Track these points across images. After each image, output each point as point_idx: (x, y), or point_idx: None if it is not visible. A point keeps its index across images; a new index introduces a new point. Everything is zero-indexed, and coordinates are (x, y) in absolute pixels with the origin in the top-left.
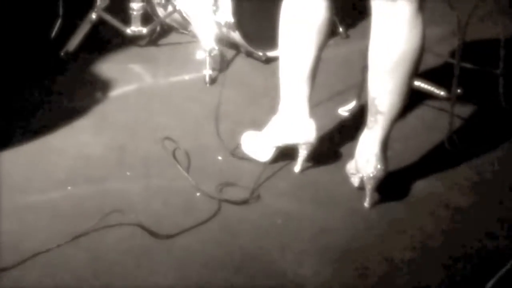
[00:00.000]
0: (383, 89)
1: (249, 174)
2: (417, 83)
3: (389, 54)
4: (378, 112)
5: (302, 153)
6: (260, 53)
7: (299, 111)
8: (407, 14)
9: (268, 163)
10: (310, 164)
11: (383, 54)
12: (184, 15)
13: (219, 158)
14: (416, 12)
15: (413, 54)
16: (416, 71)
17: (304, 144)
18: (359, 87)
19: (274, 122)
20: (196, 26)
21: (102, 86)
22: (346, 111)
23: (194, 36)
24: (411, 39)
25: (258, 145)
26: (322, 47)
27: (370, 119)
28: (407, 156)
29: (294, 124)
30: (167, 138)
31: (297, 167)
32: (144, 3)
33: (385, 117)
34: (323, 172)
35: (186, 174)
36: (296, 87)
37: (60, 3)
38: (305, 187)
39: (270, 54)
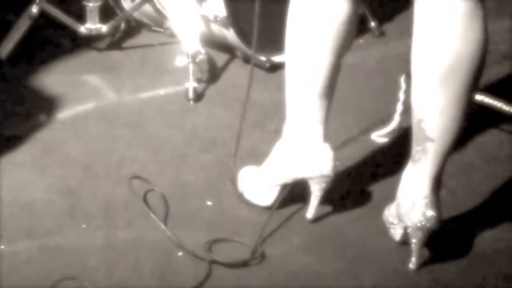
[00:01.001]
0: (433, 107)
1: (249, 224)
2: (479, 98)
3: (440, 58)
4: (426, 138)
5: (316, 192)
6: (263, 58)
7: (310, 135)
8: (464, 4)
9: (273, 208)
10: (329, 209)
11: (432, 58)
12: (159, 6)
13: (208, 203)
14: (476, 1)
15: (473, 58)
16: (477, 81)
17: (317, 178)
18: (400, 104)
19: (278, 151)
20: (175, 22)
21: (47, 106)
22: (382, 136)
23: (172, 35)
24: (469, 37)
25: (259, 185)
26: (343, 52)
27: (416, 148)
28: (466, 198)
29: (304, 153)
30: (136, 176)
31: (310, 212)
32: None
33: (437, 146)
34: (349, 220)
35: (163, 226)
36: (307, 104)
37: None
38: (325, 241)
39: (276, 59)
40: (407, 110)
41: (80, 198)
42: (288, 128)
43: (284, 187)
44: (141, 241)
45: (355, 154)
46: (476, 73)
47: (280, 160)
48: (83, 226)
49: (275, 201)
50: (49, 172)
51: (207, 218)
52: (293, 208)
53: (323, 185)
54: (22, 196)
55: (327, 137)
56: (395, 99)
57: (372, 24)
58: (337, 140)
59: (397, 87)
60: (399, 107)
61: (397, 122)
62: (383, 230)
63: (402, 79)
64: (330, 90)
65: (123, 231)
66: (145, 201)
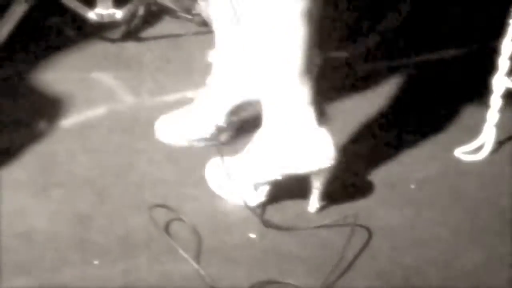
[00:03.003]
0: None
1: (302, 262)
2: None
3: None
4: None
5: (316, 185)
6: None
7: (300, 121)
8: None
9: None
10: None
11: None
12: None
13: (251, 235)
14: None
15: None
16: None
17: (316, 172)
18: (492, 112)
19: (260, 142)
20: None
21: (49, 111)
22: (469, 153)
23: (203, 23)
24: None
25: (241, 182)
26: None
27: None
28: None
29: (296, 143)
30: (160, 205)
31: (312, 206)
32: None
33: None
34: None
35: (194, 264)
36: (289, 84)
37: None
38: None
39: None
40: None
41: (91, 227)
42: (269, 115)
43: (274, 184)
44: (167, 281)
45: (435, 175)
46: None
47: (265, 153)
48: (95, 262)
49: (264, 201)
50: (52, 194)
51: (249, 254)
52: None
53: (324, 179)
54: (20, 224)
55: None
56: (483, 105)
57: None
58: (412, 158)
59: (487, 91)
60: (491, 116)
61: (488, 135)
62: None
63: (494, 80)
64: (312, 64)
65: (144, 269)
66: (171, 232)
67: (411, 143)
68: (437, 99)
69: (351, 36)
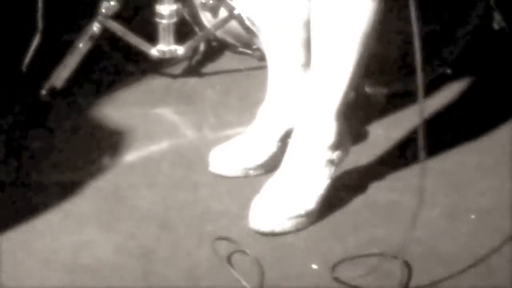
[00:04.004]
0: None
1: None
2: None
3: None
4: None
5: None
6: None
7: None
8: None
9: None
10: None
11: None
12: (247, 22)
13: (314, 267)
14: None
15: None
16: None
17: None
18: None
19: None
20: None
21: (112, 146)
22: None
23: (262, 58)
24: None
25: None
26: None
27: None
28: None
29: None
30: (223, 238)
31: None
32: (179, 6)
33: None
34: None
35: None
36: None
37: (39, 12)
38: None
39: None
40: None
41: (155, 259)
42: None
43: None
44: None
45: (495, 205)
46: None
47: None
48: None
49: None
50: (116, 227)
51: (312, 285)
52: None
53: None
54: (85, 257)
55: None
56: None
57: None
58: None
59: None
60: None
61: None
62: None
63: None
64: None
65: None
66: (233, 264)
67: (470, 173)
68: (496, 128)
69: (394, 73)
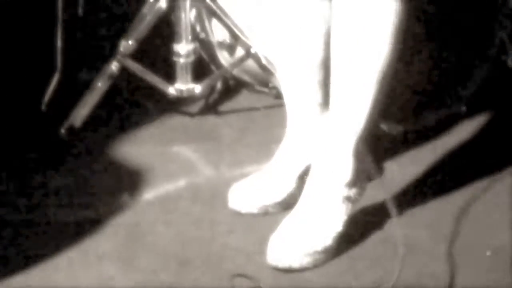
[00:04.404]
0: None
1: None
2: None
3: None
4: None
5: None
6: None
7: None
8: None
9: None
10: None
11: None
12: (264, 61)
13: None
14: None
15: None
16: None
17: None
18: None
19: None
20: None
21: (131, 184)
22: None
23: (279, 96)
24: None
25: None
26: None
27: None
28: None
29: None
30: (241, 275)
31: None
32: (197, 44)
33: None
34: None
35: None
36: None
37: (58, 52)
38: None
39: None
40: None
41: None
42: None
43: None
44: None
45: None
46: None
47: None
48: None
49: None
50: (135, 264)
51: None
52: None
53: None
54: None
55: None
56: None
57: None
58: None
59: None
60: None
61: None
62: None
63: None
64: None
65: None
66: None
67: (487, 209)
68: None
69: (408, 110)
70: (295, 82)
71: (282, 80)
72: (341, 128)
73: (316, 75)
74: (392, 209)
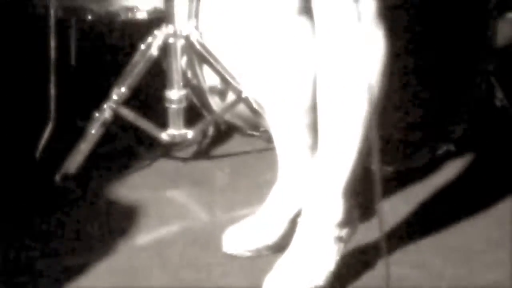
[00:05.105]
0: None
1: None
2: None
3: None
4: None
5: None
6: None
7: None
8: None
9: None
10: None
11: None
12: (255, 106)
13: None
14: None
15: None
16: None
17: None
18: None
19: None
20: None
21: (124, 228)
22: None
23: (271, 139)
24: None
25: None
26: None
27: None
28: None
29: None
30: None
31: None
32: (188, 90)
33: None
34: None
35: None
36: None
37: (52, 101)
38: None
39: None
40: None
41: None
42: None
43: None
44: None
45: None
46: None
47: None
48: None
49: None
50: None
51: None
52: None
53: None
54: None
55: None
56: None
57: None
58: (477, 260)
59: None
60: None
61: None
62: None
63: None
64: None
65: None
66: None
67: (476, 246)
68: (500, 203)
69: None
70: (284, 126)
71: (272, 124)
72: (330, 170)
73: (305, 119)
74: (384, 249)
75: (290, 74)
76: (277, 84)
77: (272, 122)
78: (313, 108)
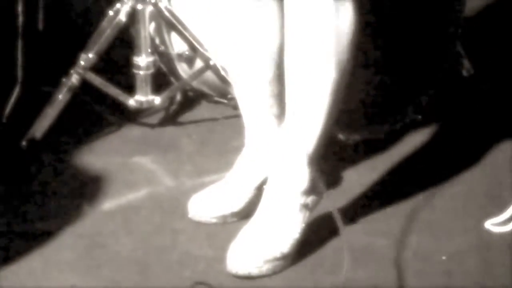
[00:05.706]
0: None
1: None
2: None
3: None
4: None
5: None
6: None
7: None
8: None
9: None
10: None
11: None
12: (223, 72)
13: None
14: None
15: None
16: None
17: None
18: None
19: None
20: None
21: (91, 194)
22: (499, 224)
23: (238, 106)
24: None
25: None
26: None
27: None
28: None
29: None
30: (201, 283)
31: None
32: (156, 57)
33: None
34: None
35: None
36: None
37: (19, 65)
38: None
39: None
40: None
41: None
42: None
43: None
44: None
45: (466, 247)
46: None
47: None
48: None
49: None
50: (97, 274)
51: None
52: None
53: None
54: None
55: None
56: None
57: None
58: (443, 230)
59: None
60: None
61: None
62: None
63: None
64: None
65: None
66: None
67: (442, 215)
68: (466, 172)
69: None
70: (249, 96)
71: (237, 93)
72: (297, 138)
73: (270, 89)
74: (339, 220)
75: (251, 46)
76: (239, 55)
77: (238, 91)
78: (279, 78)
